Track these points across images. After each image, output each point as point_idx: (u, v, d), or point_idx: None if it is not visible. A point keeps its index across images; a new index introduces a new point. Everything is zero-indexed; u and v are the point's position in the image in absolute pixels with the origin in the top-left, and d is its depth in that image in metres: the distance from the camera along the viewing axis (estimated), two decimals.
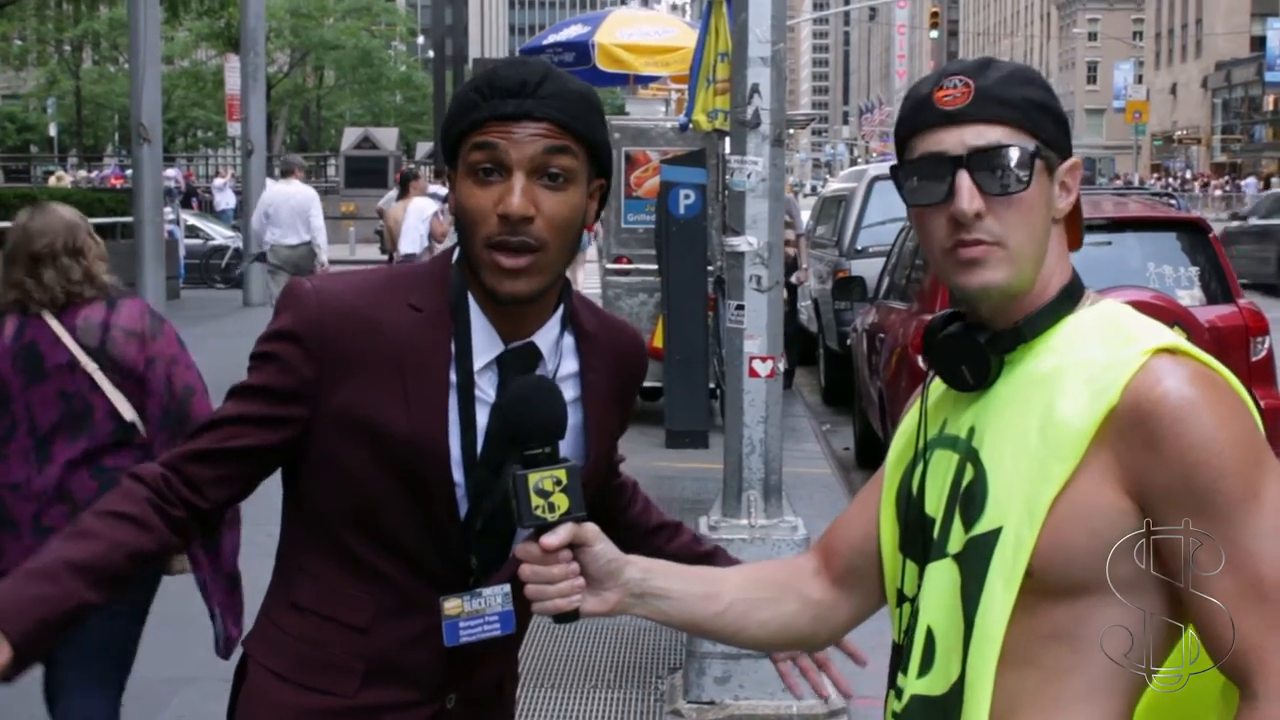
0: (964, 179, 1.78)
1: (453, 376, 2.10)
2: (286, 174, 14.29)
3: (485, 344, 2.11)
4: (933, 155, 1.81)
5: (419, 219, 14.03)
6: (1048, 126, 1.81)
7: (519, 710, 2.45)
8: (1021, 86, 1.81)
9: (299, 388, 2.08)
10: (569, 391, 2.18)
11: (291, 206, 13.84)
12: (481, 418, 2.11)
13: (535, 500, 1.88)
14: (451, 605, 2.11)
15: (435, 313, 2.11)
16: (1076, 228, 1.91)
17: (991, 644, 1.73)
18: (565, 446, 1.99)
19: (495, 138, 2.02)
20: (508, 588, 2.13)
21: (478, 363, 2.11)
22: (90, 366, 3.95)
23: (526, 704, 5.66)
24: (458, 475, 2.11)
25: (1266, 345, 7.81)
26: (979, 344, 1.81)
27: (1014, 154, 1.78)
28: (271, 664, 2.18)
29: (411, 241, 13.87)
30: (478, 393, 2.11)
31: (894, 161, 1.91)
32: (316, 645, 2.15)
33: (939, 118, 1.81)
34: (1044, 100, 1.82)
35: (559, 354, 2.18)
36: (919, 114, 1.84)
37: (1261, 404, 7.50)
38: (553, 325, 2.17)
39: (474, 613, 2.12)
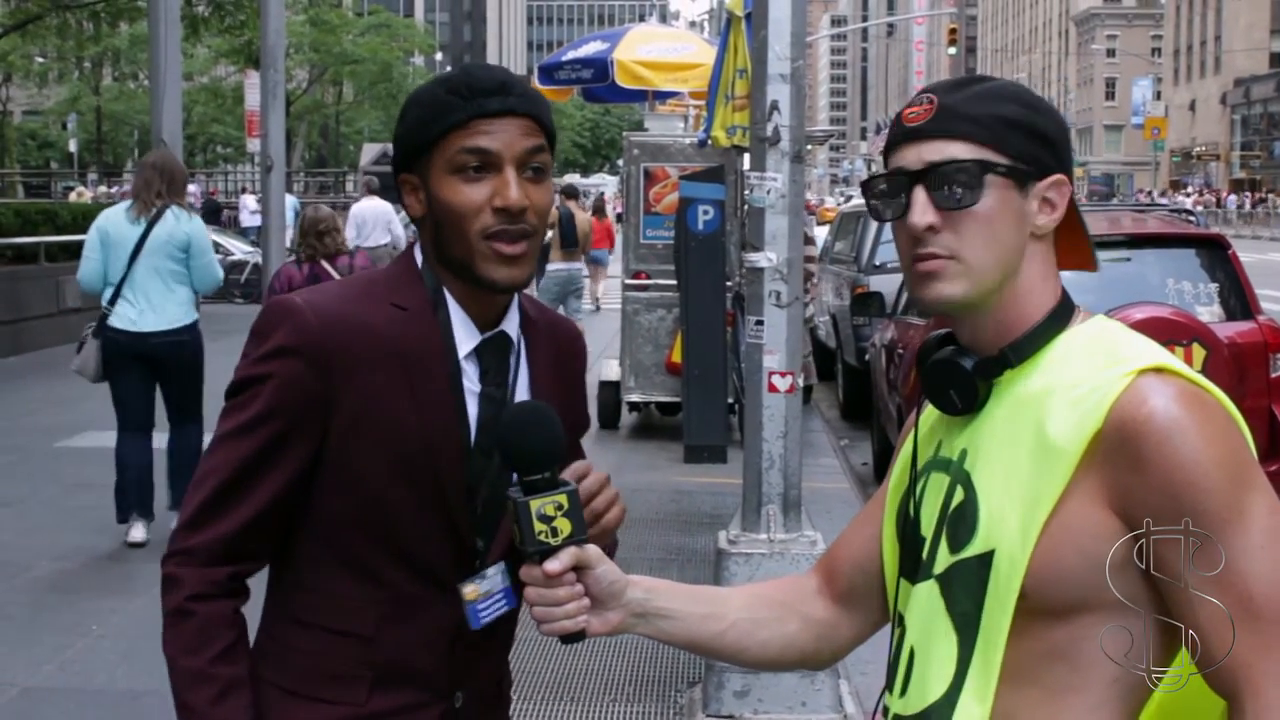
0: (919, 194, 1.80)
1: (445, 367, 2.17)
2: (370, 193, 18.76)
3: (465, 336, 2.18)
4: (894, 171, 1.83)
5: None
6: (1018, 142, 1.79)
7: None
8: (992, 103, 1.81)
9: (307, 403, 2.09)
10: (525, 375, 2.26)
11: (376, 216, 18.31)
12: (471, 406, 2.17)
13: (538, 526, 1.90)
14: (470, 590, 2.15)
15: (419, 309, 2.17)
16: (1083, 248, 1.90)
17: (992, 668, 1.74)
18: None
19: (483, 136, 2.10)
20: (504, 565, 2.19)
21: (460, 353, 2.18)
22: None
23: (544, 716, 5.68)
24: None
25: None
26: (966, 370, 1.82)
27: (965, 168, 1.78)
28: (279, 680, 2.18)
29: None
30: (465, 382, 2.18)
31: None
32: (323, 657, 2.17)
33: (903, 134, 1.84)
34: (1016, 116, 1.80)
35: (521, 340, 2.26)
36: (891, 132, 1.88)
37: None
38: (514, 312, 2.25)
39: (487, 594, 2.17)
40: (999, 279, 1.80)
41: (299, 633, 2.19)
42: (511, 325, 2.23)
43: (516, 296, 2.26)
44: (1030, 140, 1.80)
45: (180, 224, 7.97)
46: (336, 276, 7.80)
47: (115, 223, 7.98)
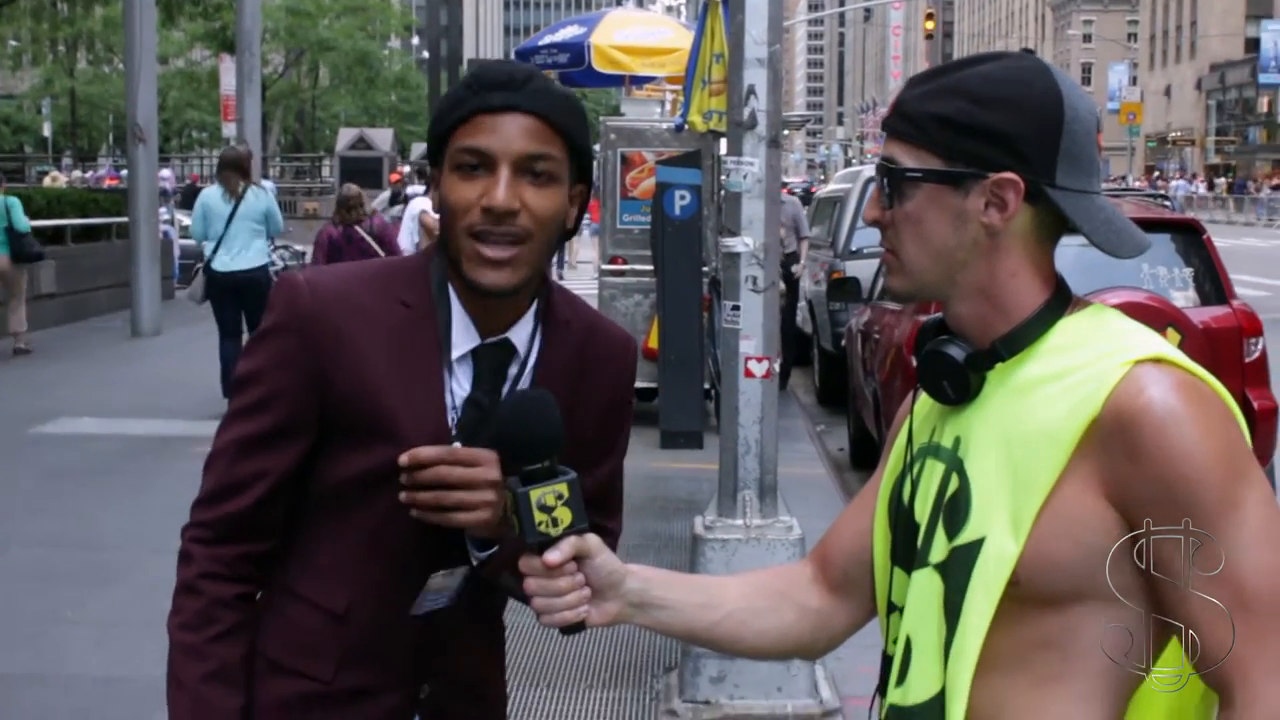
0: (873, 189, 1.87)
1: (439, 368, 2.14)
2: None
3: (463, 338, 2.15)
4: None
5: (410, 216, 14.62)
6: (951, 141, 1.77)
7: (512, 710, 2.43)
8: (938, 100, 1.78)
9: (302, 378, 2.10)
10: (529, 380, 2.19)
11: None
12: (454, 409, 2.14)
13: (538, 516, 1.87)
14: (437, 581, 2.14)
15: (422, 307, 2.14)
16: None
17: (969, 656, 1.73)
18: None
19: (482, 132, 2.06)
20: (467, 569, 2.16)
21: (454, 354, 2.14)
22: (370, 240, 12.07)
23: (520, 703, 5.67)
24: None
25: (1260, 346, 7.82)
26: (957, 363, 1.81)
27: (889, 170, 1.82)
28: (263, 647, 2.21)
29: (405, 237, 14.33)
30: (455, 385, 2.14)
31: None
32: (300, 628, 2.19)
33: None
34: (956, 114, 1.76)
35: (533, 348, 2.19)
36: None
37: (1255, 405, 7.55)
38: (528, 320, 2.18)
39: (439, 589, 2.15)
40: (940, 276, 1.82)
41: (285, 599, 2.21)
42: (520, 333, 2.17)
43: (544, 302, 2.20)
44: (969, 139, 1.76)
45: (259, 199, 12.13)
46: (363, 234, 12.07)
47: (214, 200, 12.08)
